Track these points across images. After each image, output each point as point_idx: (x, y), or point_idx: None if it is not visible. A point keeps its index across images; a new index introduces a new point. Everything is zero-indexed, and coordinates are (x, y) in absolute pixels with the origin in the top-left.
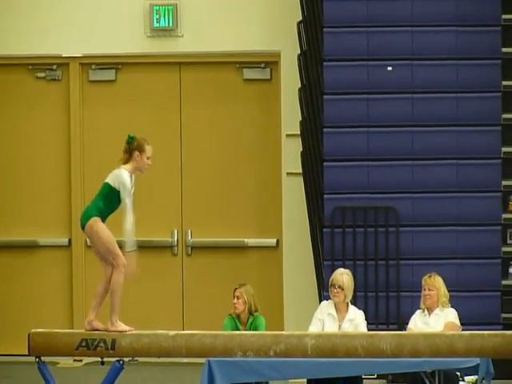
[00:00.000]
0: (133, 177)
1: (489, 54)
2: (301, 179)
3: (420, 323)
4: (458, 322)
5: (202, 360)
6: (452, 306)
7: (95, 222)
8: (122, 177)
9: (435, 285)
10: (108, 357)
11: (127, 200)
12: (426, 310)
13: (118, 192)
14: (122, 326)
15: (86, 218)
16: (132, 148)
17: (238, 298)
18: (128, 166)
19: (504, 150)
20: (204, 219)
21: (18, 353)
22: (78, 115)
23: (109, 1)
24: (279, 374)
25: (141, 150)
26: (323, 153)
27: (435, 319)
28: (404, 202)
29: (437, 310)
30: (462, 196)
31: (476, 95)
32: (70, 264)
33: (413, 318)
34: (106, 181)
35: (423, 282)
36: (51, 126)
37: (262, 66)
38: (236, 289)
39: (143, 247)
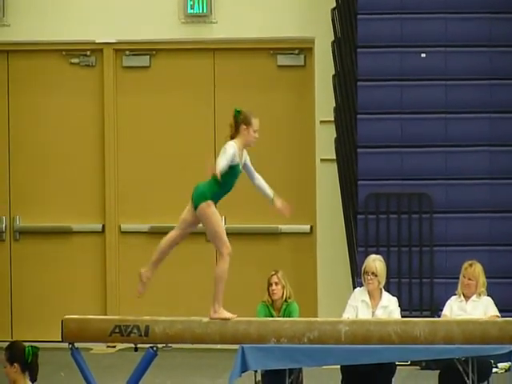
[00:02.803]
0: (244, 152)
1: None
2: (335, 166)
3: (456, 308)
4: (498, 312)
5: (236, 346)
6: (488, 295)
7: (208, 205)
8: (227, 146)
9: (475, 275)
10: (141, 343)
11: (225, 154)
12: (462, 295)
13: (226, 171)
14: (225, 313)
15: (200, 199)
16: (238, 122)
17: (276, 284)
18: (236, 140)
19: None
20: (238, 205)
21: (52, 339)
22: (112, 101)
23: None
24: (313, 360)
25: (247, 124)
26: (357, 139)
27: (472, 306)
28: (438, 189)
29: (474, 297)
30: (496, 183)
31: (510, 82)
32: (104, 250)
33: (448, 303)
34: None
35: (463, 270)
36: (85, 112)
37: (296, 52)
38: (272, 275)
39: None
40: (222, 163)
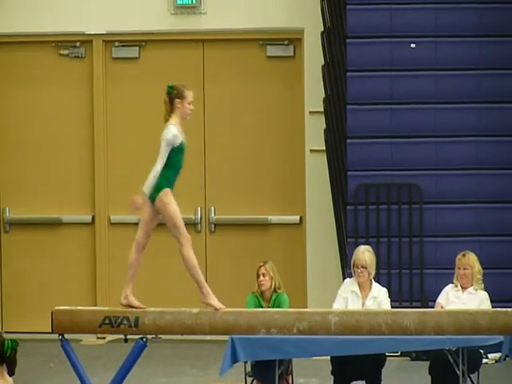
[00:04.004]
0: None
1: (511, 31)
2: (324, 156)
3: (452, 297)
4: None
5: (226, 337)
6: (485, 290)
7: (165, 194)
8: (166, 131)
9: (470, 263)
10: (131, 334)
11: (163, 150)
12: (459, 285)
13: (173, 152)
14: (215, 301)
15: (156, 191)
16: (172, 97)
17: (264, 276)
18: (174, 119)
19: None
20: (227, 196)
21: (42, 330)
22: (102, 92)
23: None
24: (303, 351)
25: (181, 97)
26: (346, 130)
27: (468, 297)
28: (427, 179)
29: (471, 289)
30: (485, 173)
31: (499, 72)
32: (94, 241)
33: (444, 291)
34: None
35: (457, 262)
36: (74, 104)
37: (286, 43)
38: (260, 266)
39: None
40: (149, 185)
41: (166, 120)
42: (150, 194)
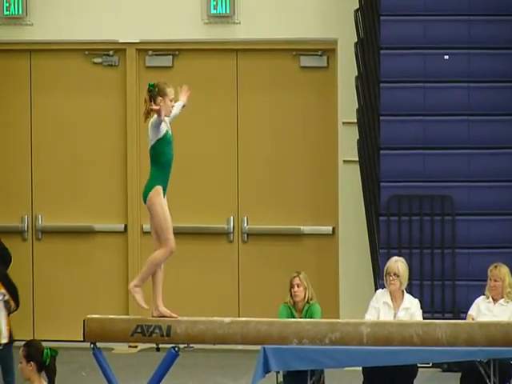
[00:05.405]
0: (167, 121)
1: None
2: (357, 167)
3: (484, 309)
4: None
5: (258, 347)
6: None
7: (157, 193)
8: (151, 123)
9: (500, 276)
10: (163, 343)
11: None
12: (490, 297)
13: (160, 144)
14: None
15: (147, 191)
16: (154, 95)
17: (298, 286)
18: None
19: None
20: (260, 206)
21: (74, 339)
22: (135, 101)
23: None
24: (334, 361)
25: (163, 95)
26: (380, 141)
27: (500, 309)
28: (460, 191)
29: (502, 301)
30: None
31: None
32: (126, 250)
33: (475, 304)
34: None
35: (489, 273)
36: (108, 112)
37: (319, 53)
38: (294, 277)
39: (199, 234)
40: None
41: (146, 118)
42: (143, 196)
